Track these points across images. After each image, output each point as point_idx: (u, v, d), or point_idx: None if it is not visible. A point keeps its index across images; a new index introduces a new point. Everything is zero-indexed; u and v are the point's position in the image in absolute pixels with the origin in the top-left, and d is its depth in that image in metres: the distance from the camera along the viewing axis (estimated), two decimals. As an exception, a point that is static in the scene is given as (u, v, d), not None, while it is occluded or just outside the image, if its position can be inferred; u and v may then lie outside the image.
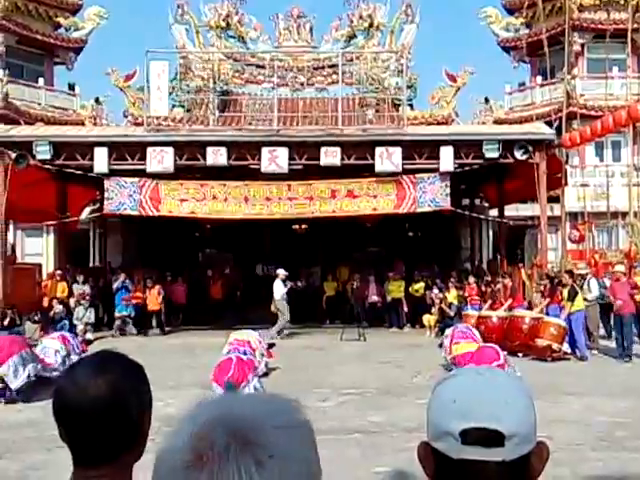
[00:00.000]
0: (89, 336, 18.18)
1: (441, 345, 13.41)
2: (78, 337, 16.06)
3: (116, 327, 19.73)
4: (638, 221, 21.93)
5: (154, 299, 20.32)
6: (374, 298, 20.94)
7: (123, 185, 18.77)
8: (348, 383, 11.42)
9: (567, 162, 23.28)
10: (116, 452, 1.36)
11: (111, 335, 19.33)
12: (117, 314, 19.84)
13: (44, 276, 20.77)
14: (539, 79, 30.51)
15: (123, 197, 18.78)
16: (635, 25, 25.18)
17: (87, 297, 19.16)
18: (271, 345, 13.36)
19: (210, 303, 22.03)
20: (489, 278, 18.51)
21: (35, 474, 6.64)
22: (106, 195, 18.92)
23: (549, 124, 21.32)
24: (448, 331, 13.26)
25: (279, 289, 18.85)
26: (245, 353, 11.21)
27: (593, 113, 25.80)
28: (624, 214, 23.75)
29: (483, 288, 18.74)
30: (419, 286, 20.84)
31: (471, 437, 1.03)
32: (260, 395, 0.89)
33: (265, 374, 11.77)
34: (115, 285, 20.07)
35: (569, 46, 25.90)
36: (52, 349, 11.97)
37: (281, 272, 19.05)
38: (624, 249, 23.03)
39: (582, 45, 29.61)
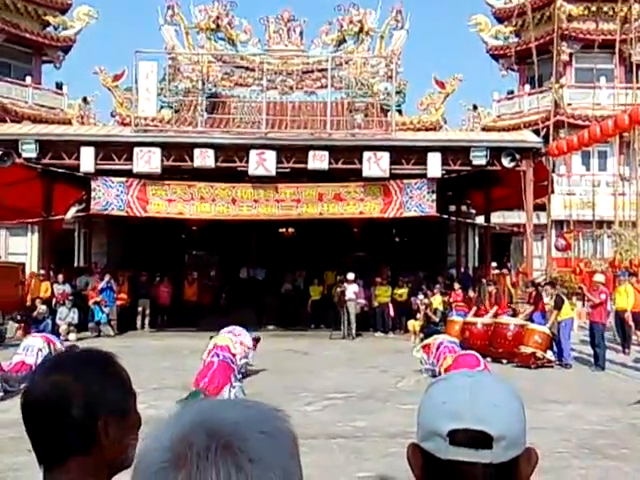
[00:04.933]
0: (72, 337, 18.09)
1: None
2: (61, 337, 16.01)
3: (91, 328, 19.61)
4: (624, 230, 22.07)
5: None
6: (361, 302, 20.92)
7: (110, 185, 18.64)
8: (332, 387, 11.40)
9: (554, 170, 23.40)
10: (61, 455, 1.31)
11: (94, 336, 19.21)
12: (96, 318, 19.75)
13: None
14: (527, 87, 30.67)
15: (110, 197, 18.64)
16: (623, 36, 25.34)
17: (69, 297, 19.08)
18: (257, 339, 13.25)
19: (185, 305, 21.85)
20: (477, 285, 18.53)
21: (14, 474, 6.57)
22: (93, 195, 18.78)
23: (537, 132, 21.39)
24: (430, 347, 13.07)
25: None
26: (225, 358, 11.13)
27: (580, 122, 25.95)
28: (609, 223, 23.90)
29: (470, 294, 18.78)
30: (402, 291, 20.89)
31: (459, 438, 1.03)
32: (245, 401, 0.87)
33: (243, 376, 11.68)
34: (100, 285, 19.96)
35: (557, 55, 26.03)
36: (35, 347, 11.89)
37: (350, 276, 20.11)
38: (609, 258, 23.18)
39: (570, 55, 29.76)
